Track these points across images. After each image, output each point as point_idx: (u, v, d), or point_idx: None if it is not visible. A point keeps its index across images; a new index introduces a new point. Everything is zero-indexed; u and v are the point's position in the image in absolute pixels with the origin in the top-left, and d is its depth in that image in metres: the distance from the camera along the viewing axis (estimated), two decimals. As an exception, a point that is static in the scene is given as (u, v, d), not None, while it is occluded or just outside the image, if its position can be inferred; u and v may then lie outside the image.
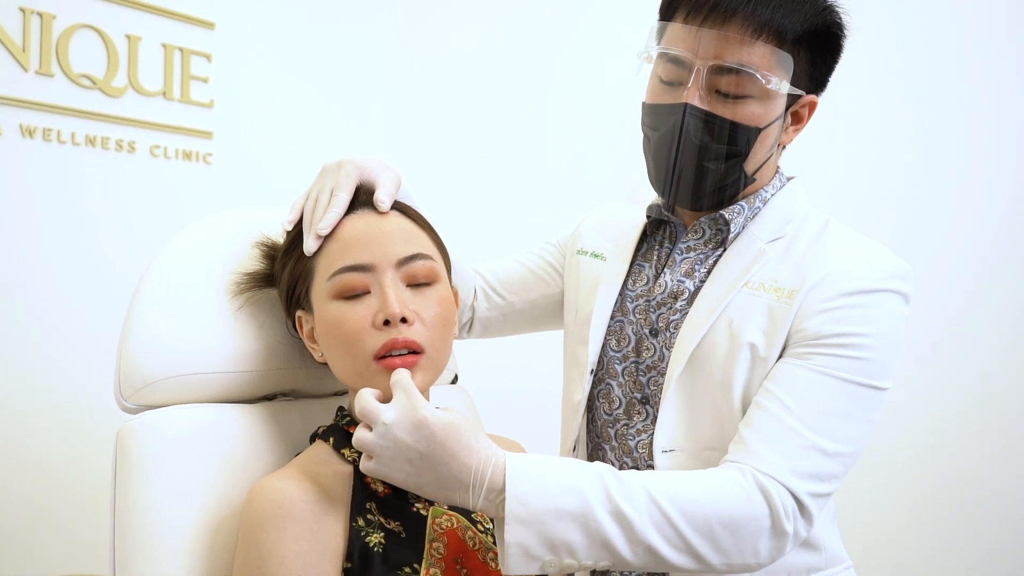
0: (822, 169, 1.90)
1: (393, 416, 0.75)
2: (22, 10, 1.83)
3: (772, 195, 1.03)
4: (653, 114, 1.00)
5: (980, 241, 1.84)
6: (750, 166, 0.99)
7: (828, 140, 1.90)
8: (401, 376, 0.80)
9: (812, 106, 1.02)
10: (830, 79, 1.02)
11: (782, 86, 0.94)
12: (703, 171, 0.97)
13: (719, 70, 0.93)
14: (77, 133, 1.93)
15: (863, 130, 1.93)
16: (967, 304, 1.84)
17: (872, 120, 1.93)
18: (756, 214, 1.02)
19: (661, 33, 0.98)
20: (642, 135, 1.04)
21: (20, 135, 1.84)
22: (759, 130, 0.96)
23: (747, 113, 0.95)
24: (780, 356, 0.92)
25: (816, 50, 0.97)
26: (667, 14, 0.98)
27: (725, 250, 1.01)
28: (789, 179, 1.07)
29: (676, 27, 0.95)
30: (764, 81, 0.93)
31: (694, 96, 0.94)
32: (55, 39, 1.88)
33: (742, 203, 1.02)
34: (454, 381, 1.25)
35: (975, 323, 1.84)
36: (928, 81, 1.88)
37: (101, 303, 1.93)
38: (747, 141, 0.96)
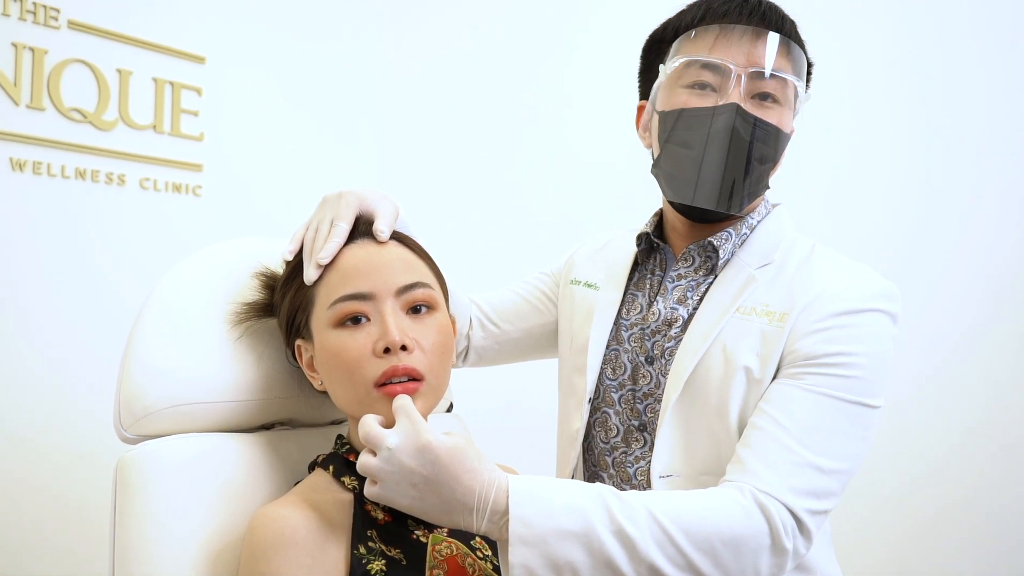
0: (828, 185, 1.94)
1: (397, 441, 0.76)
2: (14, 45, 1.85)
3: (758, 222, 1.06)
4: (690, 117, 0.99)
5: (983, 262, 1.83)
6: (773, 174, 1.03)
7: (835, 155, 1.94)
8: (404, 402, 0.81)
9: (791, 133, 1.06)
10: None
11: (807, 95, 1.02)
12: (748, 170, 0.98)
13: (760, 76, 0.97)
14: (67, 166, 1.93)
15: (866, 141, 1.96)
16: (972, 321, 1.84)
17: (874, 130, 1.95)
18: (744, 240, 1.04)
19: (694, 41, 1.00)
20: (660, 148, 1.04)
21: (10, 168, 1.85)
22: (788, 135, 1.01)
23: (780, 118, 0.99)
24: (774, 378, 0.93)
25: (806, 81, 1.03)
26: (701, 21, 1.00)
27: (716, 277, 1.03)
28: (774, 206, 1.10)
29: (715, 34, 0.98)
30: (798, 87, 0.99)
31: (737, 98, 0.97)
32: (47, 73, 1.90)
33: (729, 230, 1.04)
34: (449, 409, 1.26)
35: (978, 342, 1.83)
36: (928, 89, 1.90)
37: (92, 335, 1.92)
38: (780, 146, 1.01)
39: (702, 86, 0.99)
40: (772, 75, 0.97)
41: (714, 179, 0.97)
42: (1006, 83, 1.82)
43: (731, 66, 0.97)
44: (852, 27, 1.96)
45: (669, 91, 1.02)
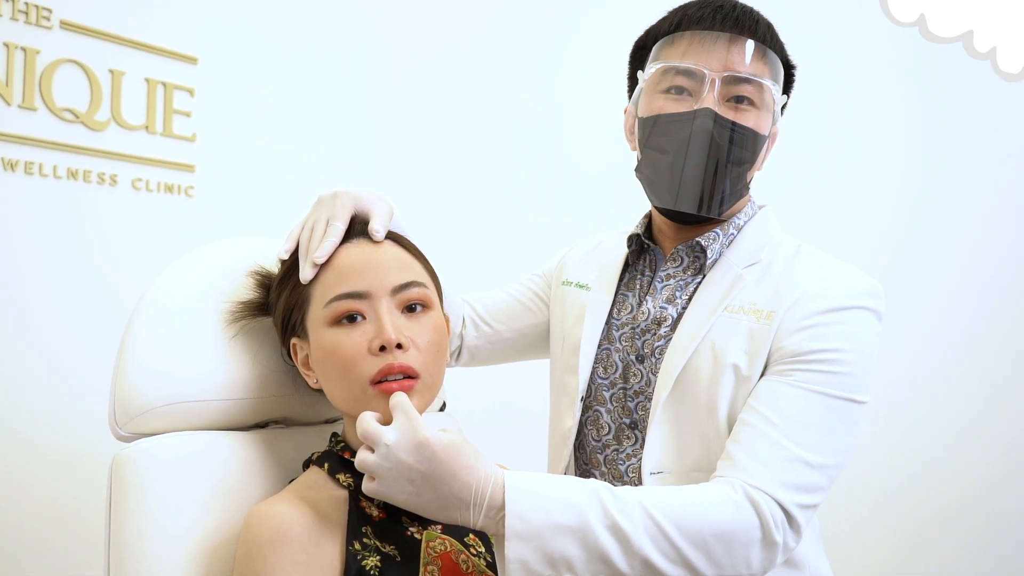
0: (824, 187, 1.95)
1: (395, 437, 0.77)
2: (6, 45, 1.85)
3: (745, 222, 1.08)
4: (667, 123, 1.02)
5: (979, 263, 1.84)
6: (751, 175, 1.05)
7: (831, 156, 1.96)
8: (401, 399, 0.82)
9: (775, 136, 1.08)
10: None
11: (782, 99, 1.04)
12: (727, 173, 1.01)
13: (734, 80, 0.99)
14: (59, 166, 1.93)
15: (862, 143, 1.97)
16: (968, 322, 1.85)
17: (870, 131, 1.96)
18: (731, 241, 1.06)
19: (670, 47, 1.02)
20: (642, 154, 1.07)
21: (2, 168, 1.84)
22: (765, 137, 1.03)
23: (756, 120, 1.01)
24: (762, 375, 0.95)
25: (785, 84, 1.05)
26: (676, 28, 1.03)
27: (704, 276, 1.05)
28: (761, 207, 1.11)
29: (690, 40, 1.01)
30: (773, 90, 1.01)
31: (711, 102, 0.99)
32: (39, 73, 1.90)
33: (717, 230, 1.06)
34: (442, 409, 1.27)
35: (975, 343, 1.84)
36: (922, 90, 1.91)
37: (86, 335, 1.92)
38: (758, 148, 1.02)
39: (678, 91, 1.02)
40: (746, 79, 0.99)
41: (694, 183, 1.00)
42: (1001, 83, 1.83)
43: (705, 71, 0.99)
44: (846, 29, 1.97)
45: (648, 97, 1.05)
